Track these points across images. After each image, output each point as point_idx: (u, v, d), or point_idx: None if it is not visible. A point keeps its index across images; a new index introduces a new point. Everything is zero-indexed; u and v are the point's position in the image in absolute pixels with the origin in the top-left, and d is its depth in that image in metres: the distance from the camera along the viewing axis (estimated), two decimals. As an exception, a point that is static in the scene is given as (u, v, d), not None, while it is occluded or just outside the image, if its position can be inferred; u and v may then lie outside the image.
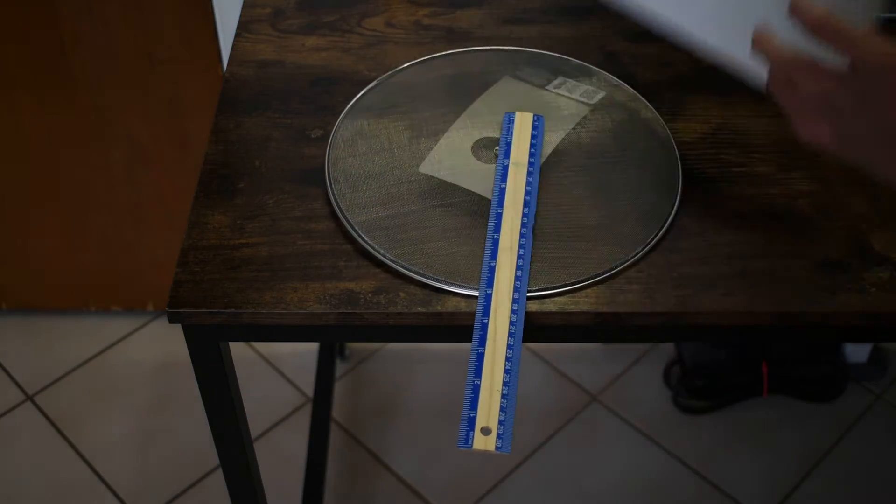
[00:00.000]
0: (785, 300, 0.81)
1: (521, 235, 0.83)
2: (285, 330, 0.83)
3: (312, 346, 1.74)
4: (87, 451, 1.59)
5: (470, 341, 0.78)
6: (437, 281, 0.81)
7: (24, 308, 1.78)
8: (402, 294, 0.80)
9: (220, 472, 1.56)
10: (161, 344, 1.75)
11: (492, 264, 0.81)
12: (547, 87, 0.99)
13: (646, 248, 0.84)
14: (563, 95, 0.98)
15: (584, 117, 0.96)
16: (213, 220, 0.87)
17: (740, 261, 0.84)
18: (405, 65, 1.02)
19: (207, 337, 0.83)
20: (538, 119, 0.94)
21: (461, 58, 1.03)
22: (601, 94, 0.98)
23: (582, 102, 0.97)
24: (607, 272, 0.82)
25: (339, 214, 0.86)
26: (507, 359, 0.76)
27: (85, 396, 1.66)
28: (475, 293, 0.80)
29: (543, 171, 0.90)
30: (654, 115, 0.96)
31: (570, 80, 1.00)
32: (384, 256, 0.83)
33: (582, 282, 0.81)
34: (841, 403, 1.66)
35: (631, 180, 0.89)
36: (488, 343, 0.77)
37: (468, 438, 0.72)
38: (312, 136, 0.95)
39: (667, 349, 1.75)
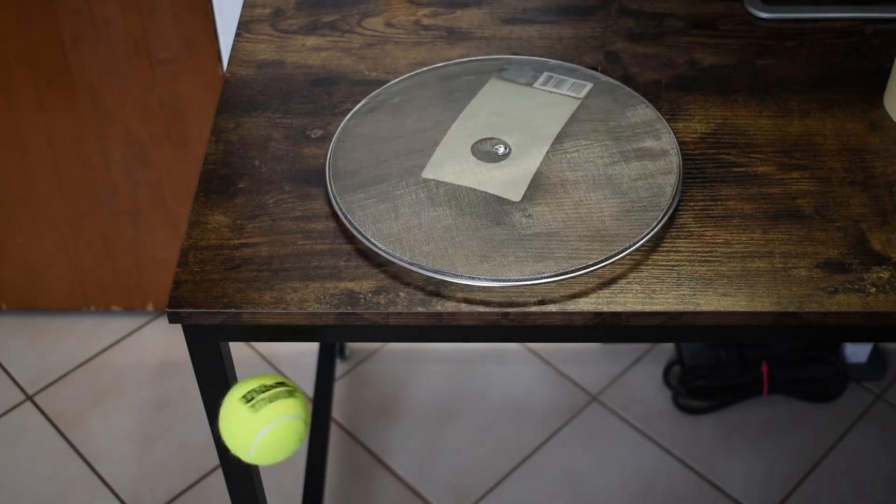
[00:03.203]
0: (785, 300, 0.81)
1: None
2: (285, 330, 0.83)
3: (312, 346, 1.74)
4: (87, 451, 1.59)
5: (470, 341, 0.78)
6: (438, 281, 0.81)
7: (24, 308, 1.78)
8: (402, 294, 0.80)
9: (220, 472, 1.56)
10: (161, 344, 1.75)
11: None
12: (534, 86, 0.99)
13: (646, 248, 0.84)
14: (551, 92, 0.98)
15: (576, 112, 0.96)
16: (213, 220, 0.87)
17: (740, 261, 0.84)
18: (409, 74, 1.02)
19: (207, 337, 0.83)
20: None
21: (463, 62, 1.03)
22: (588, 86, 0.98)
23: (571, 97, 0.97)
24: (607, 272, 0.82)
25: (339, 214, 0.86)
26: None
27: (85, 396, 1.67)
28: (475, 293, 0.80)
29: (542, 169, 0.90)
30: (652, 110, 0.96)
31: (556, 76, 1.00)
32: (384, 256, 0.83)
33: (582, 281, 0.81)
34: (841, 403, 1.66)
35: (630, 179, 0.89)
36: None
37: None
38: (312, 136, 0.95)
39: (667, 349, 1.75)
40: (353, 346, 1.75)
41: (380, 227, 0.84)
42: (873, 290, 0.81)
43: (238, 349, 1.74)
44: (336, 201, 0.87)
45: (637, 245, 0.84)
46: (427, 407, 1.65)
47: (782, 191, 0.90)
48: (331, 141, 0.94)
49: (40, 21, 1.42)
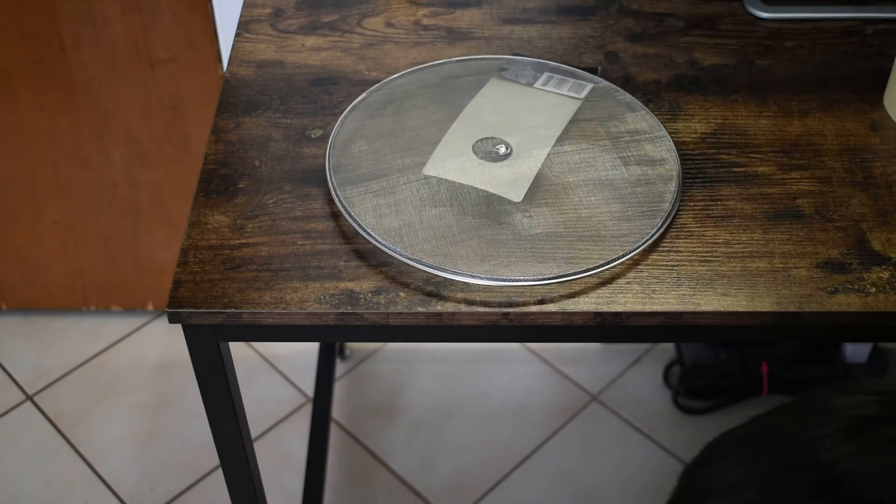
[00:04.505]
0: (785, 300, 0.81)
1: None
2: (285, 330, 0.83)
3: (312, 346, 1.74)
4: (87, 451, 1.59)
5: (470, 341, 0.78)
6: (438, 281, 0.81)
7: (24, 308, 1.78)
8: (402, 294, 0.80)
9: (220, 472, 1.56)
10: (161, 344, 1.75)
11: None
12: (535, 86, 0.99)
13: (646, 248, 0.84)
14: (552, 92, 0.98)
15: (577, 114, 0.96)
16: (213, 220, 0.87)
17: (740, 261, 0.84)
18: (408, 70, 1.02)
19: (207, 337, 0.83)
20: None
21: (464, 61, 1.03)
22: (588, 87, 0.98)
23: (572, 98, 0.97)
24: (607, 272, 0.82)
25: (340, 214, 0.86)
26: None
27: (85, 396, 1.66)
28: (475, 293, 0.80)
29: (543, 169, 0.90)
30: (651, 116, 0.96)
31: (556, 76, 0.99)
32: (384, 253, 0.83)
33: (582, 281, 0.81)
34: (841, 403, 1.66)
35: (630, 185, 0.89)
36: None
37: None
38: (312, 136, 0.95)
39: (667, 349, 1.75)
40: (353, 346, 1.74)
41: (380, 222, 0.84)
42: (873, 290, 0.81)
43: (238, 349, 1.74)
44: (335, 193, 0.87)
45: (638, 249, 0.84)
46: (427, 407, 1.65)
47: (782, 191, 0.90)
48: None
49: (40, 21, 1.42)
